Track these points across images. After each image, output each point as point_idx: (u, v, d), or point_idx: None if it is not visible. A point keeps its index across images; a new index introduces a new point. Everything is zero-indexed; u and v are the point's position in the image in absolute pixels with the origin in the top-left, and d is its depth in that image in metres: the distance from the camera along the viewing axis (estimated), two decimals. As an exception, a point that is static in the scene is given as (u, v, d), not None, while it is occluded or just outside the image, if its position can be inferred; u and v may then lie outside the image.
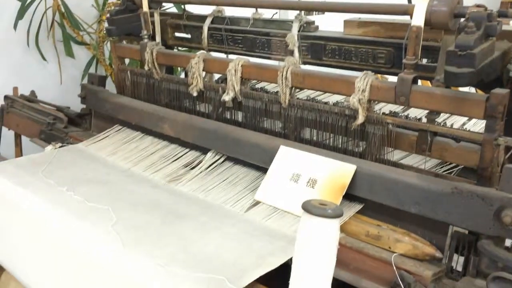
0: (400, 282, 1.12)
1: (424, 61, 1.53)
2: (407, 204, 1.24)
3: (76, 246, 1.32)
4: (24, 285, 1.60)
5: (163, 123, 1.86)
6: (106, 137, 2.03)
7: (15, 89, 2.56)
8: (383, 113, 1.49)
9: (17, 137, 2.56)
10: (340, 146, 1.53)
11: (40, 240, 1.44)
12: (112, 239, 1.26)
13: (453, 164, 1.41)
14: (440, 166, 1.45)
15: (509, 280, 1.05)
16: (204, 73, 1.82)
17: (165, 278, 1.10)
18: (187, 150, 1.80)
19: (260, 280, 1.10)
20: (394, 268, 1.16)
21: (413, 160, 1.48)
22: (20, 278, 1.63)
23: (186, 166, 1.73)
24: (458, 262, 1.20)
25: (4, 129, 2.58)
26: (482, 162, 1.20)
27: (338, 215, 0.82)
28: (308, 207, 0.83)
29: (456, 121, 1.54)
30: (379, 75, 1.73)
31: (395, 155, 1.47)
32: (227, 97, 1.72)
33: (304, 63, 1.80)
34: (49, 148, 1.93)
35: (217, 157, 1.70)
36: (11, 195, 1.57)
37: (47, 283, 1.40)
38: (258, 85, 1.99)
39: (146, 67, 2.00)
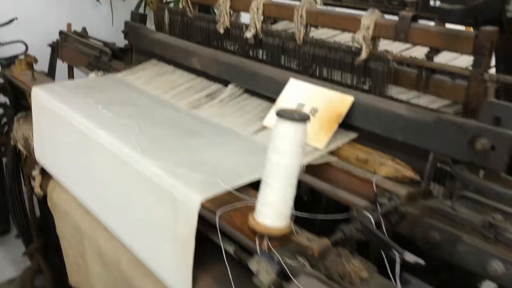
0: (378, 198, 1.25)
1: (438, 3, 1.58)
2: (395, 132, 1.35)
3: (106, 151, 1.54)
4: (67, 187, 1.89)
5: (192, 57, 2.03)
6: (142, 69, 2.23)
7: (69, 25, 2.81)
8: (385, 50, 1.57)
9: (70, 69, 2.84)
10: (347, 82, 1.63)
11: (77, 147, 1.69)
12: (133, 146, 1.47)
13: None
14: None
15: (473, 198, 1.16)
16: (231, 11, 1.96)
17: (171, 176, 1.29)
18: (211, 82, 1.97)
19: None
20: (374, 186, 1.29)
21: (420, 101, 1.56)
22: (63, 181, 1.92)
23: (208, 96, 1.90)
24: (436, 188, 1.31)
25: (59, 61, 2.87)
26: (467, 96, 1.28)
27: (304, 120, 0.96)
28: (280, 113, 0.97)
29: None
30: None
31: (402, 95, 1.56)
32: (249, 34, 1.85)
33: (325, 4, 1.88)
34: (92, 75, 2.17)
35: (236, 89, 1.85)
36: (56, 110, 1.82)
37: (84, 181, 1.66)
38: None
39: (180, 5, 2.16)
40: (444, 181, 1.31)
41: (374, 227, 1.02)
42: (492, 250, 1.07)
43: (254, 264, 0.96)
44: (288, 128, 0.96)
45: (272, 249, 1.00)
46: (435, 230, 1.16)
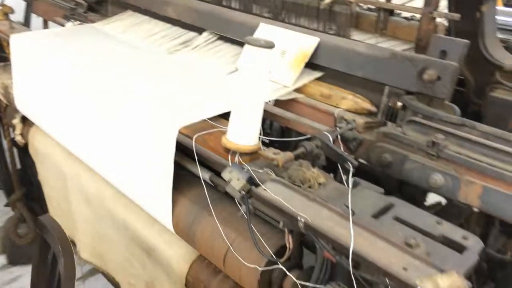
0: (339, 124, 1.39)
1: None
2: (355, 69, 1.48)
3: (88, 93, 1.64)
4: (48, 132, 1.97)
5: (167, 7, 2.10)
6: (119, 19, 2.29)
7: (42, -22, 2.81)
8: (348, -6, 1.68)
9: (45, 23, 2.86)
10: (314, 27, 1.75)
11: (58, 91, 1.77)
12: (114, 85, 1.56)
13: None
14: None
15: (419, 122, 1.31)
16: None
17: (151, 108, 1.41)
18: (187, 31, 2.05)
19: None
20: (336, 117, 1.43)
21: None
22: (44, 127, 2.00)
23: (184, 43, 1.99)
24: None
25: (33, 16, 2.88)
26: (419, 33, 1.41)
27: (269, 47, 1.07)
28: (247, 40, 1.08)
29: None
30: None
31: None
32: (222, -17, 1.94)
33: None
34: (69, 24, 2.22)
35: (210, 36, 1.95)
36: (36, 56, 1.88)
37: (66, 124, 1.75)
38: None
39: (155, -44, 2.20)
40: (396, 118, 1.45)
41: (332, 143, 1.16)
42: (434, 165, 1.23)
43: (226, 174, 1.09)
44: (255, 53, 1.08)
45: (243, 162, 1.13)
46: (387, 152, 1.31)
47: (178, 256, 1.51)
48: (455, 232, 0.93)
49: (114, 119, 1.54)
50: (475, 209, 1.45)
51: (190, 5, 2.02)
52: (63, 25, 2.40)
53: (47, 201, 2.27)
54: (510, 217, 1.12)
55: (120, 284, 1.87)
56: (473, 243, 0.90)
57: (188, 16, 2.02)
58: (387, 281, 0.84)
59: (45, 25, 2.85)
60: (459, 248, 0.89)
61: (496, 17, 1.60)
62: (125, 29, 2.19)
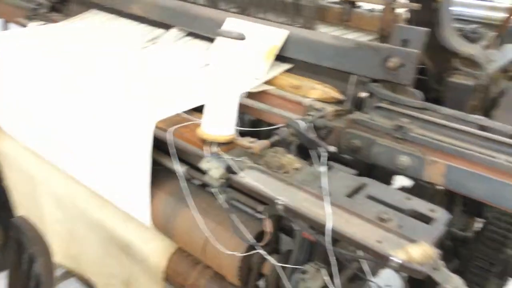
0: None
1: None
2: (323, 60, 1.54)
3: (60, 93, 1.62)
4: (16, 136, 1.93)
5: (133, 4, 2.10)
6: (83, 18, 2.26)
7: (0, -22, 2.73)
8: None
9: (5, 24, 2.78)
10: (281, 21, 1.79)
11: (26, 92, 1.75)
12: (85, 84, 1.56)
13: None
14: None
15: (385, 108, 1.38)
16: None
17: (128, 103, 1.42)
18: (154, 28, 2.06)
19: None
20: (306, 106, 1.48)
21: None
22: (11, 131, 1.96)
23: (152, 40, 1.99)
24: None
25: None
26: (382, 24, 1.48)
27: (241, 38, 1.11)
28: (219, 32, 1.11)
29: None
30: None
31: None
32: (187, -21, 1.95)
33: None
34: (31, 24, 2.17)
35: (179, 32, 1.96)
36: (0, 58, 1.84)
37: (35, 127, 1.72)
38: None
39: (118, -47, 2.19)
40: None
41: (304, 130, 1.21)
42: (400, 147, 1.30)
43: (205, 164, 1.12)
44: (227, 44, 1.11)
45: (220, 151, 1.16)
46: (356, 138, 1.37)
47: (156, 251, 1.53)
48: (423, 206, 0.99)
49: (87, 118, 1.53)
50: (440, 188, 1.53)
51: (156, 2, 2.03)
52: (24, 26, 2.35)
53: (16, 207, 2.22)
54: (471, 192, 1.20)
55: (96, 285, 1.86)
56: (440, 215, 0.96)
57: (154, 13, 2.03)
58: (363, 254, 0.90)
59: (5, 27, 2.78)
60: (427, 220, 0.95)
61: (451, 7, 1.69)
62: (91, 27, 2.17)
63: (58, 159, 1.76)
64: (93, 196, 1.70)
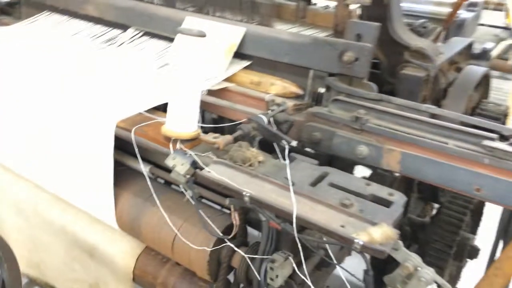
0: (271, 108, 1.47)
1: None
2: (281, 55, 1.58)
3: (18, 98, 1.58)
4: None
5: (87, 5, 2.07)
6: (35, 21, 2.20)
7: None
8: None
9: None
10: (238, 19, 1.82)
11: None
12: (44, 86, 1.53)
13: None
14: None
15: (343, 101, 1.43)
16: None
17: (87, 104, 1.40)
18: (110, 28, 2.04)
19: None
20: (267, 102, 1.52)
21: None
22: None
23: (109, 41, 1.97)
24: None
25: None
26: (336, 20, 1.53)
27: (201, 35, 1.13)
28: (180, 29, 1.13)
29: None
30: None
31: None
32: (143, -21, 1.94)
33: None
34: (-21, 28, 2.10)
35: (136, 32, 1.95)
36: None
37: None
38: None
39: (69, -46, 2.15)
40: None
41: (266, 125, 1.24)
42: (359, 138, 1.35)
43: (170, 161, 1.13)
44: (188, 42, 1.12)
45: (185, 148, 1.18)
46: (317, 130, 1.42)
47: (123, 252, 1.52)
48: (382, 191, 1.04)
49: (46, 121, 1.50)
50: (397, 175, 1.61)
51: (111, 2, 2.01)
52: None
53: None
54: (425, 177, 1.27)
55: (61, 291, 1.82)
56: (398, 198, 1.02)
57: (110, 13, 2.00)
58: (328, 239, 0.94)
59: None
60: (386, 203, 1.01)
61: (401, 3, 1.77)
62: (44, 30, 2.12)
63: (17, 165, 1.71)
64: (55, 201, 1.67)
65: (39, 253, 1.81)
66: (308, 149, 1.65)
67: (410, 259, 0.96)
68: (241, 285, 1.26)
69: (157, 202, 1.31)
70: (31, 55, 1.78)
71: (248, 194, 1.01)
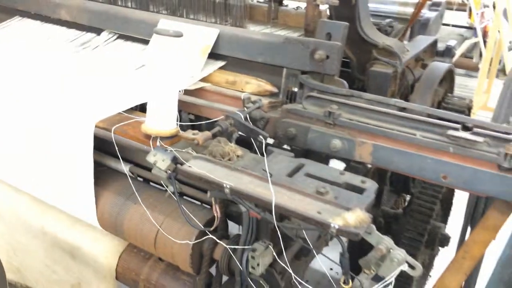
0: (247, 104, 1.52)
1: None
2: (255, 55, 1.63)
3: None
4: None
5: (60, 9, 2.07)
6: (6, 26, 2.19)
7: None
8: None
9: None
10: (212, 21, 1.86)
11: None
12: (21, 92, 1.53)
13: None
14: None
15: (316, 97, 1.49)
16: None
17: (65, 107, 1.42)
18: (84, 32, 2.05)
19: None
20: (243, 100, 1.56)
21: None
22: None
23: (83, 45, 1.98)
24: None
25: None
26: (306, 20, 1.60)
27: (178, 35, 1.16)
28: (157, 30, 1.16)
29: None
30: None
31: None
32: (116, -17, 1.96)
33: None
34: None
35: (110, 35, 1.97)
36: None
37: None
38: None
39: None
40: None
41: (243, 121, 1.28)
42: (332, 132, 1.41)
43: (151, 157, 1.16)
44: (165, 42, 1.16)
45: (164, 145, 1.21)
46: (292, 126, 1.47)
47: (105, 250, 1.54)
48: (355, 179, 1.10)
49: (25, 125, 1.51)
50: (369, 167, 1.68)
51: (84, 6, 2.02)
52: None
53: None
54: (396, 167, 1.34)
55: (43, 295, 1.82)
56: (370, 185, 1.08)
57: (83, 17, 2.01)
58: (306, 225, 0.99)
59: None
60: (359, 190, 1.07)
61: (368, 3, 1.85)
62: (17, 35, 2.11)
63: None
64: (34, 204, 1.67)
65: (19, 257, 1.81)
66: (284, 146, 1.71)
67: (383, 242, 1.02)
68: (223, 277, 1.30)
69: (139, 199, 1.34)
70: (5, 60, 1.78)
71: (228, 186, 1.05)
